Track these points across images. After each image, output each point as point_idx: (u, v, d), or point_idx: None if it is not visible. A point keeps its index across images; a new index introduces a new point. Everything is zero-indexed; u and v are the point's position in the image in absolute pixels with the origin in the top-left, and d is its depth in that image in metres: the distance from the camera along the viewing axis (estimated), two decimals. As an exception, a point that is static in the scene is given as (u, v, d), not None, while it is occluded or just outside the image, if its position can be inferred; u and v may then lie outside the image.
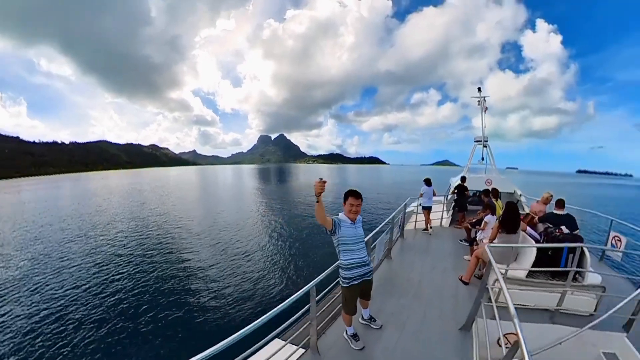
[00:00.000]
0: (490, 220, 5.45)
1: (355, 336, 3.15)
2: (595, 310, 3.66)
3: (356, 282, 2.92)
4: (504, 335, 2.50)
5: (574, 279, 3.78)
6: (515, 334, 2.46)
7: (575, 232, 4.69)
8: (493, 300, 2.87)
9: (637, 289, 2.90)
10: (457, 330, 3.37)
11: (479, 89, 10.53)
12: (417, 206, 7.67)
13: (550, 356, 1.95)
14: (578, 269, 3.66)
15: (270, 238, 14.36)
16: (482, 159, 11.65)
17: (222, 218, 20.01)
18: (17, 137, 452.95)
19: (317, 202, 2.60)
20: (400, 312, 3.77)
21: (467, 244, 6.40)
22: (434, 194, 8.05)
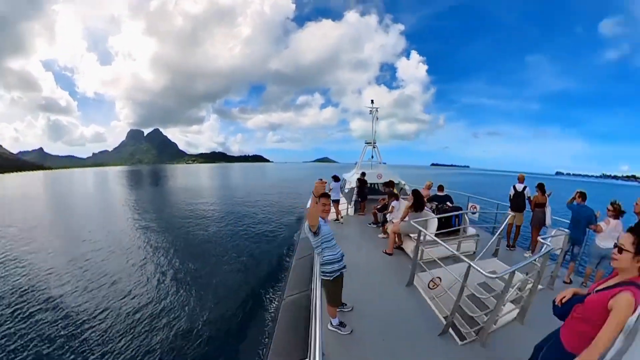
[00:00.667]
0: (396, 204, 6.72)
1: (341, 324, 3.31)
2: (475, 249, 5.73)
3: (339, 275, 3.16)
4: (431, 280, 4.19)
5: (462, 232, 5.78)
6: (438, 277, 3.88)
7: (454, 205, 6.90)
8: (418, 258, 4.39)
9: (495, 234, 5.64)
10: (405, 287, 4.42)
11: (372, 101, 12.75)
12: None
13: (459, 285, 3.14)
14: (463, 226, 5.80)
15: (158, 267, 9.28)
16: (372, 157, 14.02)
17: (83, 246, 11.79)
18: None
19: (317, 202, 2.78)
20: (354, 291, 4.06)
21: (375, 226, 7.95)
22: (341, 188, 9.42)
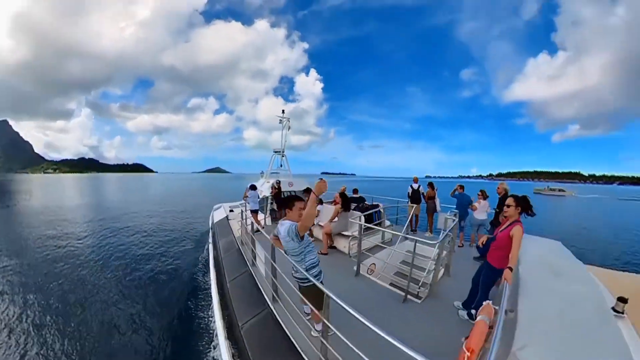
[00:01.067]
0: (321, 208, 7.16)
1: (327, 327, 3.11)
2: (392, 237, 7.14)
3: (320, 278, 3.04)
4: (369, 266, 5.35)
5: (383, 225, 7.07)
6: (373, 264, 5.60)
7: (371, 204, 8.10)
8: (354, 251, 5.43)
9: (406, 223, 7.60)
10: (354, 277, 5.02)
11: (283, 111, 12.77)
12: (244, 211, 7.30)
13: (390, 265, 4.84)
14: (382, 220, 7.35)
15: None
16: (281, 165, 14.14)
17: None
18: None
19: (318, 203, 2.67)
20: (289, 288, 3.97)
21: None
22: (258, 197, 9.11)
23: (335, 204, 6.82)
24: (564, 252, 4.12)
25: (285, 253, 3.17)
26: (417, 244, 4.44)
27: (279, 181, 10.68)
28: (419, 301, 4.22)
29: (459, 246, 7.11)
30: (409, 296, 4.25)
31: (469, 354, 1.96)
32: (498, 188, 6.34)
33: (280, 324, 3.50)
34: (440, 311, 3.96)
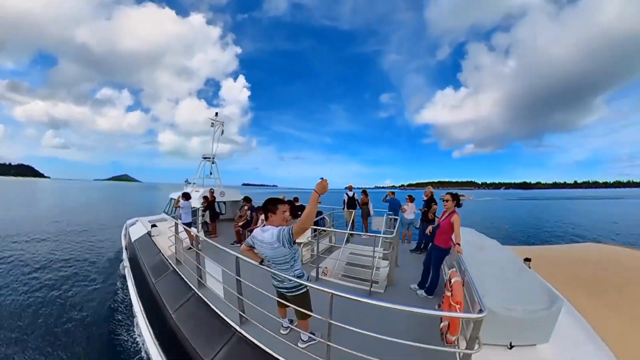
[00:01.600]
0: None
1: (312, 332, 3.10)
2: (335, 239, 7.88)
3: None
4: (323, 269, 5.52)
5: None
6: (326, 267, 5.78)
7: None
8: (310, 255, 6.06)
9: (348, 227, 8.62)
10: (315, 282, 4.98)
11: (216, 114, 11.72)
12: (174, 226, 6.20)
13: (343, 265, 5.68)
14: (328, 226, 8.08)
15: None
16: (211, 173, 12.95)
17: None
18: None
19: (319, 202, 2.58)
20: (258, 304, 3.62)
21: (240, 244, 7.45)
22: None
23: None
24: (479, 235, 5.71)
25: (263, 263, 2.95)
26: (361, 242, 5.29)
27: (213, 190, 9.73)
28: (382, 291, 4.70)
29: (403, 242, 8.32)
30: (372, 288, 4.62)
31: (458, 306, 2.67)
32: (425, 192, 7.54)
33: (259, 346, 3.14)
34: (403, 295, 4.62)
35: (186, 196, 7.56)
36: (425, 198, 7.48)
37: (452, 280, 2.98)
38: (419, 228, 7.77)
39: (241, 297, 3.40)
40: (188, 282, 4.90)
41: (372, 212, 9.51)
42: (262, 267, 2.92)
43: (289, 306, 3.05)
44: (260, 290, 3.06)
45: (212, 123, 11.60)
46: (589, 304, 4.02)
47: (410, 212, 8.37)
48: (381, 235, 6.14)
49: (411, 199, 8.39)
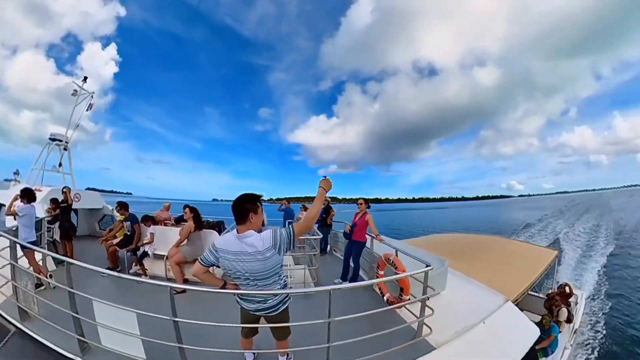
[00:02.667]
0: (156, 230, 5.43)
1: (287, 355, 2.67)
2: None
3: None
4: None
5: None
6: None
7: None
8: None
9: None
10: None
11: (85, 79, 7.86)
12: (8, 248, 3.31)
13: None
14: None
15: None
16: (60, 164, 8.72)
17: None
18: None
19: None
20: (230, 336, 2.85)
21: (117, 270, 5.27)
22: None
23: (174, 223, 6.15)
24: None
25: (227, 286, 2.30)
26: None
27: (69, 189, 6.33)
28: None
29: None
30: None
31: (404, 272, 3.64)
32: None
33: None
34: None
35: (28, 196, 4.38)
36: (323, 206, 7.90)
37: (391, 258, 4.17)
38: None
39: (183, 345, 2.35)
40: (59, 349, 2.68)
41: (265, 222, 8.95)
42: (228, 291, 2.24)
43: (257, 332, 2.53)
44: (213, 324, 2.26)
45: (76, 91, 7.84)
46: (458, 265, 5.39)
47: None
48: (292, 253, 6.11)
49: (305, 208, 8.47)
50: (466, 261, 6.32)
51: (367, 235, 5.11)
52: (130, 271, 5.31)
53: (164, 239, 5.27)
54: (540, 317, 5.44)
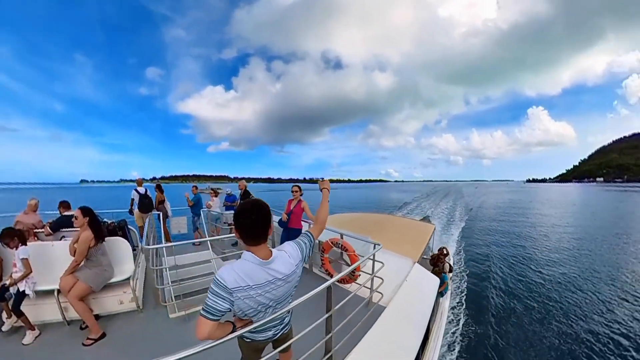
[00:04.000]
0: (30, 252, 3.30)
1: None
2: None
3: None
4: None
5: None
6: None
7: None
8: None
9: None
10: (173, 320, 3.65)
11: None
12: None
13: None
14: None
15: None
16: None
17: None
18: None
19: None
20: None
21: None
22: None
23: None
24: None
25: (236, 328, 1.62)
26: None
27: None
28: None
29: (194, 244, 6.04)
30: None
31: (353, 252, 4.25)
32: (240, 186, 7.72)
33: None
34: None
35: None
36: (241, 191, 7.51)
37: (340, 242, 4.50)
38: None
39: None
40: None
41: (170, 212, 8.08)
42: (239, 332, 1.58)
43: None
44: None
45: None
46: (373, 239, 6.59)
47: (217, 206, 8.01)
48: (220, 237, 5.75)
49: (215, 193, 8.21)
50: (376, 236, 7.05)
51: (302, 222, 5.18)
52: (3, 329, 3.23)
53: (47, 264, 3.57)
54: (432, 271, 6.90)
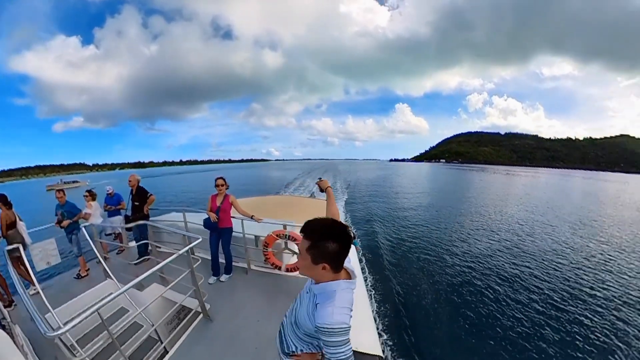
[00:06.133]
0: None
1: None
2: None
3: None
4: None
5: None
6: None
7: None
8: None
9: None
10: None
11: None
12: None
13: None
14: None
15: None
16: None
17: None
18: (536, 135, 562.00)
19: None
20: None
21: None
22: None
23: None
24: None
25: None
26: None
27: None
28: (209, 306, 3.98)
29: (82, 276, 4.96)
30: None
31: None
32: (130, 181, 5.65)
33: None
34: (224, 288, 4.31)
35: None
36: (133, 188, 5.66)
37: (286, 233, 4.34)
38: (131, 230, 5.76)
39: None
40: None
41: (28, 239, 4.75)
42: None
43: None
44: None
45: None
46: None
47: (97, 215, 5.83)
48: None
49: (92, 196, 5.92)
50: (299, 219, 7.14)
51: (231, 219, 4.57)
52: None
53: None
54: None
